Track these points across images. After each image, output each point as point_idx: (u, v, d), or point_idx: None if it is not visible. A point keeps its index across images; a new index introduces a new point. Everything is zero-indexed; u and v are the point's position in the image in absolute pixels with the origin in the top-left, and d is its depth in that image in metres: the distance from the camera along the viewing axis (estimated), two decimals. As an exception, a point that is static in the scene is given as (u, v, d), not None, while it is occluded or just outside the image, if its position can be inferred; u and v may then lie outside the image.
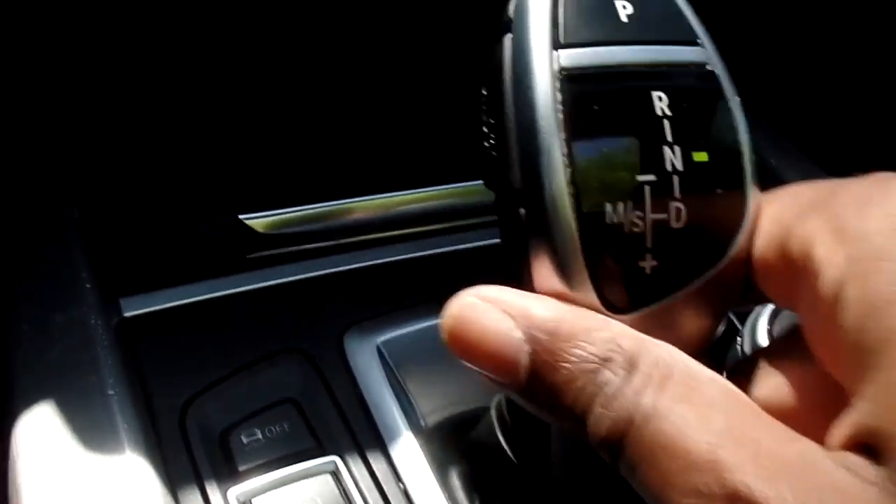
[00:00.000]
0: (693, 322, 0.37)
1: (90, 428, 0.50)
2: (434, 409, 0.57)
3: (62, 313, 0.55)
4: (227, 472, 0.51)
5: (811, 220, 0.32)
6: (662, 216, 0.33)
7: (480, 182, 0.64)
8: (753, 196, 0.35)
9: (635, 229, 0.33)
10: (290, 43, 0.78)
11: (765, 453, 0.28)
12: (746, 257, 0.35)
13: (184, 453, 0.52)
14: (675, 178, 0.34)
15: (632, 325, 0.35)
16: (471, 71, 0.40)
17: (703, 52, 0.36)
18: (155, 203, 0.68)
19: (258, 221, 0.68)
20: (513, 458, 0.48)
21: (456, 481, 0.53)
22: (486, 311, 0.34)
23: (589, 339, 0.32)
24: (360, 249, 0.65)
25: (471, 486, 0.53)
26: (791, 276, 0.33)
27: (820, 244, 0.31)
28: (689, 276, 0.35)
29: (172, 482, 0.50)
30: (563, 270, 0.34)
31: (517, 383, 0.33)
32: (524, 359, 0.33)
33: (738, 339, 0.55)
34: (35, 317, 0.55)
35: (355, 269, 0.64)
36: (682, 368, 0.32)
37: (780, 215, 0.34)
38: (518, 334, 0.33)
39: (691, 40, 0.36)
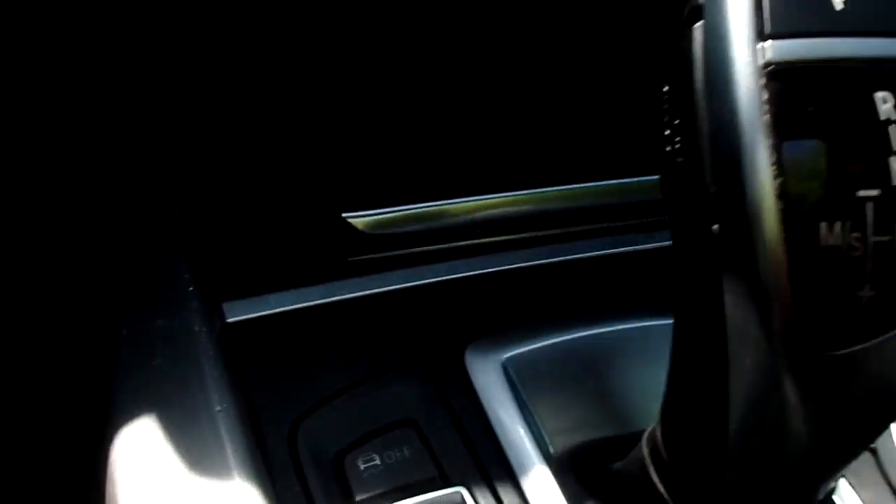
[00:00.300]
0: None
1: (197, 447, 0.46)
2: (562, 432, 0.52)
3: (164, 318, 0.51)
4: (343, 501, 0.47)
5: None
6: (885, 238, 0.29)
7: (621, 180, 0.59)
8: None
9: (854, 253, 0.29)
10: (401, 29, 0.73)
11: None
12: None
13: (294, 478, 0.47)
14: None
15: (844, 364, 0.30)
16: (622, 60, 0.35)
17: None
18: (257, 202, 0.63)
19: (361, 220, 0.63)
20: (667, 498, 0.42)
21: (594, 520, 0.48)
22: None
23: None
24: (480, 254, 0.60)
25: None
26: None
27: None
28: None
29: (284, 510, 0.46)
30: (764, 300, 0.29)
31: None
32: None
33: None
34: (135, 322, 0.51)
35: (476, 275, 0.59)
36: None
37: None
38: None
39: None
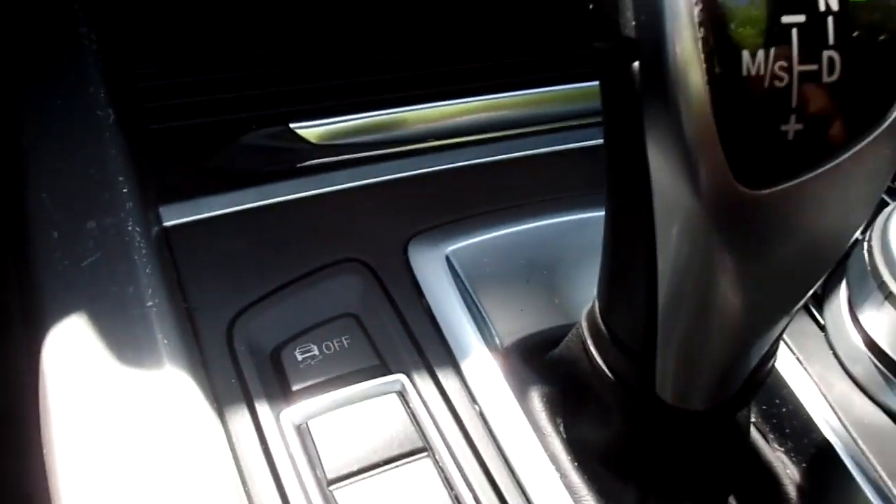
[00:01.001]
0: (842, 202, 0.30)
1: (127, 342, 0.45)
2: (509, 325, 0.51)
3: (96, 220, 0.49)
4: (280, 393, 0.46)
5: None
6: (812, 67, 0.27)
7: (559, 87, 0.57)
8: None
9: (778, 84, 0.27)
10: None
11: None
12: None
13: (231, 372, 0.46)
14: (830, 20, 0.27)
15: (769, 204, 0.29)
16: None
17: None
18: (202, 106, 0.62)
19: (311, 131, 0.62)
20: (607, 372, 0.41)
21: (537, 402, 0.47)
22: None
23: None
24: (417, 155, 0.59)
25: (554, 407, 0.47)
26: None
27: None
28: (841, 143, 0.28)
29: (219, 403, 0.45)
30: (688, 137, 0.28)
31: None
32: None
33: (865, 239, 0.47)
34: (65, 223, 0.49)
35: (420, 174, 0.57)
36: None
37: None
38: None
39: None
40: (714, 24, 0.27)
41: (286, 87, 0.65)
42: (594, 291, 0.42)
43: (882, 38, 0.28)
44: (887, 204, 0.49)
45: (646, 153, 0.31)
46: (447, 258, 0.52)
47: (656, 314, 0.36)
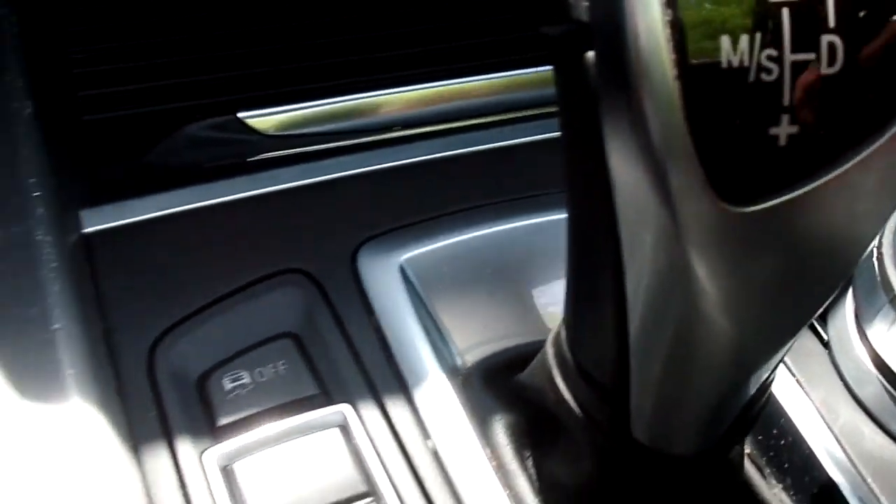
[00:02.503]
0: (846, 218, 0.26)
1: (28, 369, 0.40)
2: (471, 343, 0.46)
3: (1, 229, 0.44)
4: (205, 428, 0.41)
5: None
6: (808, 56, 0.23)
7: (526, 70, 0.53)
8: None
9: (766, 77, 0.23)
10: None
11: None
12: None
13: (150, 403, 0.42)
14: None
15: (757, 222, 0.24)
16: None
17: None
18: (142, 94, 0.57)
19: (260, 121, 0.57)
20: (575, 407, 0.36)
21: (501, 435, 0.43)
22: None
23: None
24: (375, 149, 0.54)
25: (519, 441, 0.42)
26: None
27: None
28: (844, 148, 0.24)
29: (135, 440, 0.40)
30: (656, 144, 0.23)
31: None
32: None
33: (875, 246, 0.42)
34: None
35: (370, 171, 0.52)
36: None
37: None
38: None
39: None
40: (684, 2, 0.22)
41: (234, 72, 0.60)
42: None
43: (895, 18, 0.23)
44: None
45: (605, 157, 0.26)
46: (401, 267, 0.47)
47: (627, 344, 0.32)
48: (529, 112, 0.57)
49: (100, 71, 0.59)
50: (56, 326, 0.41)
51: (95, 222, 0.48)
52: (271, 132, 0.58)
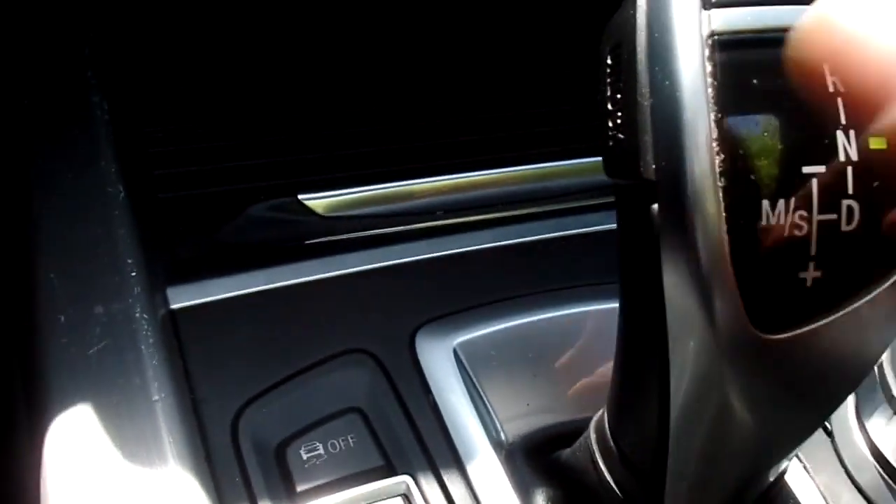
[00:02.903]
0: (859, 344, 0.30)
1: (132, 437, 0.44)
2: (515, 420, 0.51)
3: (103, 304, 0.49)
4: (284, 492, 0.45)
5: None
6: (832, 217, 0.27)
7: (577, 161, 0.58)
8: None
9: (797, 233, 0.27)
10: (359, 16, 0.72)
11: None
12: None
13: (236, 469, 0.46)
14: (849, 170, 0.27)
15: (785, 347, 0.29)
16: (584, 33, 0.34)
17: None
18: (211, 174, 0.62)
19: (319, 202, 0.62)
20: (615, 489, 0.41)
21: (542, 506, 0.47)
22: None
23: None
24: (433, 237, 0.58)
25: (559, 512, 0.47)
26: None
27: None
28: (858, 288, 0.28)
29: (223, 501, 0.44)
30: (705, 280, 0.28)
31: None
32: None
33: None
34: (73, 308, 0.49)
35: (428, 258, 0.57)
36: None
37: None
38: None
39: None
40: (735, 174, 0.27)
41: (295, 156, 0.65)
42: (602, 389, 0.42)
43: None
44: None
45: (661, 284, 0.31)
46: (454, 350, 0.51)
47: (668, 436, 0.36)
48: (572, 204, 0.62)
49: (172, 151, 0.64)
50: (156, 398, 0.46)
51: (180, 299, 0.52)
52: (327, 213, 0.62)
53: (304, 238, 0.61)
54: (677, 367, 0.33)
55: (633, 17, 0.30)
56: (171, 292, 0.53)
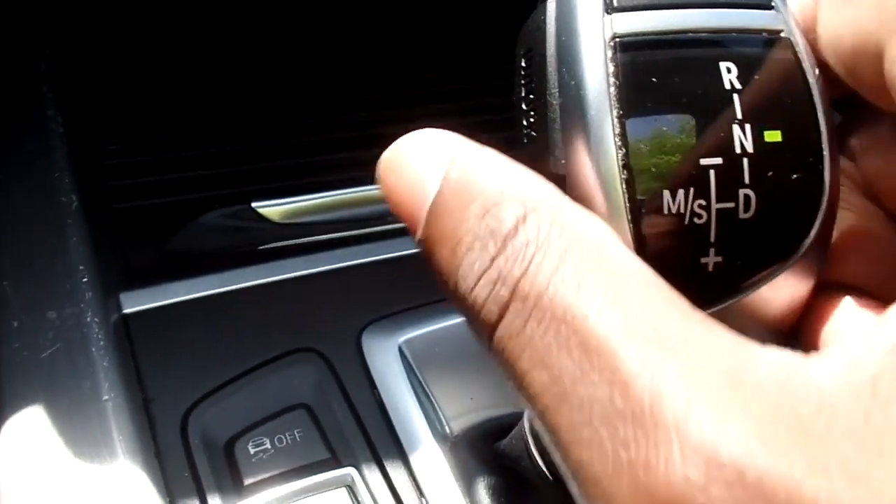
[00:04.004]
0: (760, 323, 0.32)
1: (83, 435, 0.46)
2: (460, 414, 0.52)
3: (56, 310, 0.51)
4: (233, 486, 0.47)
5: None
6: (729, 205, 0.29)
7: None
8: (832, 180, 0.30)
9: (697, 220, 0.29)
10: (311, 21, 0.74)
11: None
12: (824, 249, 0.30)
13: (185, 464, 0.47)
14: (745, 161, 0.29)
15: None
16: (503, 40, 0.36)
17: (777, 17, 0.31)
18: (165, 185, 0.63)
19: (272, 210, 0.63)
20: (547, 473, 0.43)
21: (483, 496, 0.49)
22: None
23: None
24: (380, 240, 0.60)
25: (500, 498, 0.49)
26: None
27: None
28: (757, 273, 0.30)
29: (172, 496, 0.46)
30: None
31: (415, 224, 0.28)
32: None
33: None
34: (27, 314, 0.50)
35: (374, 261, 0.59)
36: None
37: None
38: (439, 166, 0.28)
39: (765, 3, 0.31)
40: (637, 167, 0.28)
41: (249, 165, 0.67)
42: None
43: (794, 176, 0.29)
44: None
45: None
46: (399, 348, 0.53)
47: None
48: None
49: (127, 163, 0.66)
50: (105, 398, 0.48)
51: (132, 304, 0.54)
52: (281, 220, 0.64)
53: (257, 244, 0.62)
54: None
55: (544, 22, 0.32)
56: (124, 297, 0.55)
